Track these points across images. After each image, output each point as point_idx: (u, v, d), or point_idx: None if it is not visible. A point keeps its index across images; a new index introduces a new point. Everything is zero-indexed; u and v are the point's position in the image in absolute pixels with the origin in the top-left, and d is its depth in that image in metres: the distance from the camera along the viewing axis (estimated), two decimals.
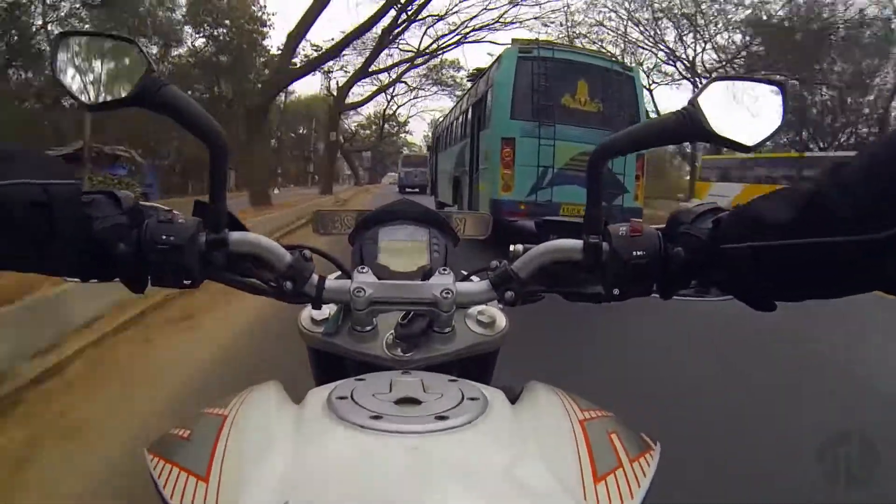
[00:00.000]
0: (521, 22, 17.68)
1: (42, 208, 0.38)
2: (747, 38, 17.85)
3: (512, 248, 0.53)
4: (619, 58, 6.69)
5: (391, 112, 33.02)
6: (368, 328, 0.54)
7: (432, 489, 0.30)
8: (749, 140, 0.45)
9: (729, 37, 18.50)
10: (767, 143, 0.46)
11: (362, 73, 16.25)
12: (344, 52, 15.95)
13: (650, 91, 18.36)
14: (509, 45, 6.49)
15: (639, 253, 0.45)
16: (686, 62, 19.22)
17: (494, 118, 6.22)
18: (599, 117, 6.15)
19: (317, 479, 0.32)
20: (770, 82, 0.47)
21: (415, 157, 28.25)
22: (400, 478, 0.31)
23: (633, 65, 6.55)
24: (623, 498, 0.33)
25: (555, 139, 5.86)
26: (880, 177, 0.33)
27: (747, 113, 0.46)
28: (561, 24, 18.89)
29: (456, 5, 17.77)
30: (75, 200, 0.42)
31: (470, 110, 7.75)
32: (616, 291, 0.47)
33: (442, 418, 0.35)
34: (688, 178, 20.98)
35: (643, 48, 19.67)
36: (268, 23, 19.11)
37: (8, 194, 0.37)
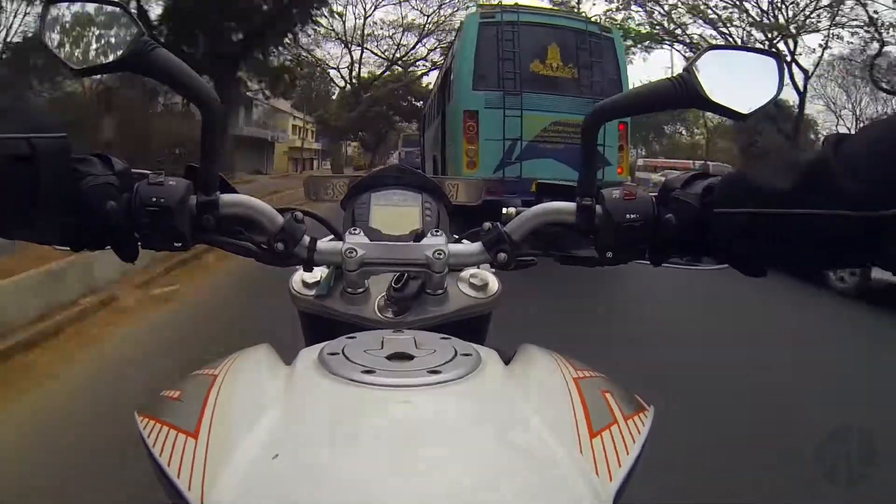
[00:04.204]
0: None
1: (26, 163, 0.37)
2: None
3: (504, 210, 0.53)
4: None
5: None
6: (360, 290, 0.54)
7: (425, 441, 0.30)
8: (744, 108, 0.45)
9: None
10: (762, 112, 0.46)
11: None
12: None
13: None
14: (472, 12, 6.07)
15: (632, 216, 0.45)
16: None
17: (457, 91, 5.82)
18: (575, 83, 5.70)
19: (307, 432, 0.32)
20: (765, 52, 0.47)
21: (416, 136, 26.44)
22: (392, 430, 0.31)
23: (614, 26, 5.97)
24: (619, 453, 0.33)
25: (522, 109, 5.44)
26: (886, 155, 0.34)
27: (742, 82, 0.46)
28: None
29: None
30: (63, 155, 0.40)
31: (441, 85, 7.34)
32: (609, 255, 0.47)
33: (434, 372, 0.35)
34: None
35: None
36: None
37: None
